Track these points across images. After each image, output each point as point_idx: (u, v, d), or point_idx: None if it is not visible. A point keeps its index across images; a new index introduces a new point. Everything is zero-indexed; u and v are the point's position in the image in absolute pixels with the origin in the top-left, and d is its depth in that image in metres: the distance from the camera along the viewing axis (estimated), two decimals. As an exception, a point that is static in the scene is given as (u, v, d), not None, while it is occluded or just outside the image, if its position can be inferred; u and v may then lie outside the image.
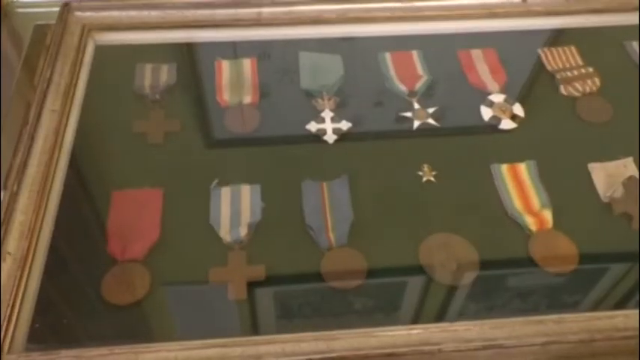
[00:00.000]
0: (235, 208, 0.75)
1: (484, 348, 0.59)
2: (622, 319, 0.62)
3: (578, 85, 0.92)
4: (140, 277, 0.67)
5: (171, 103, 0.87)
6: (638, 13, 1.04)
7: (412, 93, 0.90)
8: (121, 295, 0.66)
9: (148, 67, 0.91)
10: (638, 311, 0.64)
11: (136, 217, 0.73)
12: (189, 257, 0.71)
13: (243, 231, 0.72)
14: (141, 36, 0.94)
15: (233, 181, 0.77)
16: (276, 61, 0.95)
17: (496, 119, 0.87)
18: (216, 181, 0.77)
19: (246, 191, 0.76)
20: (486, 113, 0.88)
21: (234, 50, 0.95)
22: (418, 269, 0.70)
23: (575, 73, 0.94)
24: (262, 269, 0.69)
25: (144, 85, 0.89)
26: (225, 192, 0.76)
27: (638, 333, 0.61)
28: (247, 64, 0.93)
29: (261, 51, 0.95)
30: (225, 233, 0.72)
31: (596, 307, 0.69)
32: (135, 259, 0.69)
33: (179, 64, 0.92)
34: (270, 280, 0.69)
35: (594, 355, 0.61)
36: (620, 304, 0.69)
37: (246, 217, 0.74)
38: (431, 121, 0.86)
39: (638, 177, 0.79)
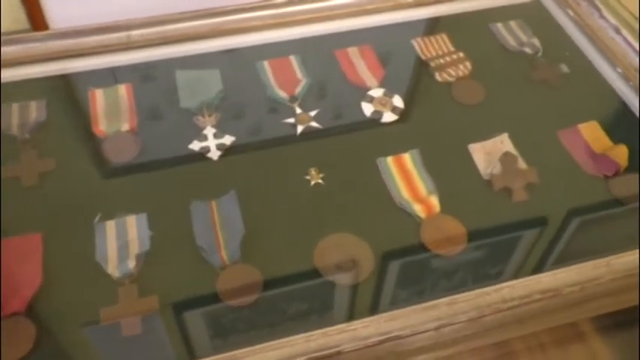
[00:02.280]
0: (122, 240, 0.72)
1: (381, 342, 0.60)
2: (508, 290, 0.65)
3: (451, 71, 0.95)
4: (24, 330, 0.63)
5: (43, 141, 0.83)
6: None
7: (293, 98, 0.90)
8: (4, 353, 0.62)
9: (15, 106, 0.86)
10: (523, 279, 0.67)
11: (13, 268, 0.68)
12: (78, 300, 0.67)
13: (131, 263, 0.70)
14: (3, 74, 0.89)
15: (118, 213, 0.75)
16: (153, 83, 0.92)
17: (378, 114, 0.89)
18: (99, 215, 0.74)
19: (131, 222, 0.74)
20: (367, 109, 0.89)
21: (108, 77, 0.92)
22: (315, 274, 0.70)
23: (448, 59, 0.97)
24: (155, 300, 0.67)
25: (11, 125, 0.84)
26: (110, 225, 0.73)
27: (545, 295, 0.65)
28: (122, 90, 0.90)
29: (137, 75, 0.93)
30: (113, 269, 0.69)
31: (489, 280, 0.71)
32: (16, 312, 0.65)
33: (49, 99, 0.87)
34: (164, 310, 0.67)
35: (486, 329, 0.64)
36: (510, 274, 0.72)
37: (135, 248, 0.71)
38: (314, 124, 0.87)
39: (513, 152, 0.83)
